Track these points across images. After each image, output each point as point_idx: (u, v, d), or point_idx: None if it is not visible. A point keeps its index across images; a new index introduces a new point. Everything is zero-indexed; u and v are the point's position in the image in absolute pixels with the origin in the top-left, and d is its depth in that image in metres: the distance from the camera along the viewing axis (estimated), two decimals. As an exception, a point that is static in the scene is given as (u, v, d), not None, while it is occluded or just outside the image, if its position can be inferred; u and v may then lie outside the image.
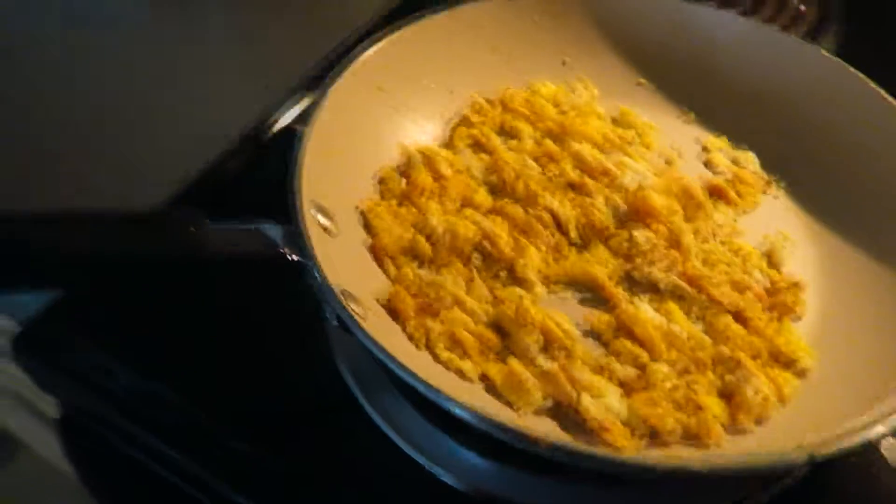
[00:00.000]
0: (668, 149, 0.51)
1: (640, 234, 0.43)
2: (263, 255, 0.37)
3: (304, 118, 0.58)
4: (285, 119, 0.58)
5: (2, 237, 0.35)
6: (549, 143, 0.50)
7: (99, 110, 0.60)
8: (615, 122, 0.54)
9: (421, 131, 0.51)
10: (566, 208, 0.45)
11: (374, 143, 0.49)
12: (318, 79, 0.61)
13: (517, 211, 0.45)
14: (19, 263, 0.35)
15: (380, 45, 0.49)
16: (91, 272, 0.38)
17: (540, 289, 0.42)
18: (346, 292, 0.37)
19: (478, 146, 0.51)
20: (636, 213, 0.44)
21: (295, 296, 0.44)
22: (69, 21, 0.67)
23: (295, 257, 0.38)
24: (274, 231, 0.39)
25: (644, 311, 0.40)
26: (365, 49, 0.49)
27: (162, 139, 0.58)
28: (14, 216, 0.36)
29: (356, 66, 0.48)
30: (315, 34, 0.66)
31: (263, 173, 0.55)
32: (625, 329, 0.39)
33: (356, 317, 0.35)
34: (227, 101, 0.61)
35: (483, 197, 0.47)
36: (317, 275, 0.36)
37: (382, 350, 0.34)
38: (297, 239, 0.38)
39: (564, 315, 0.41)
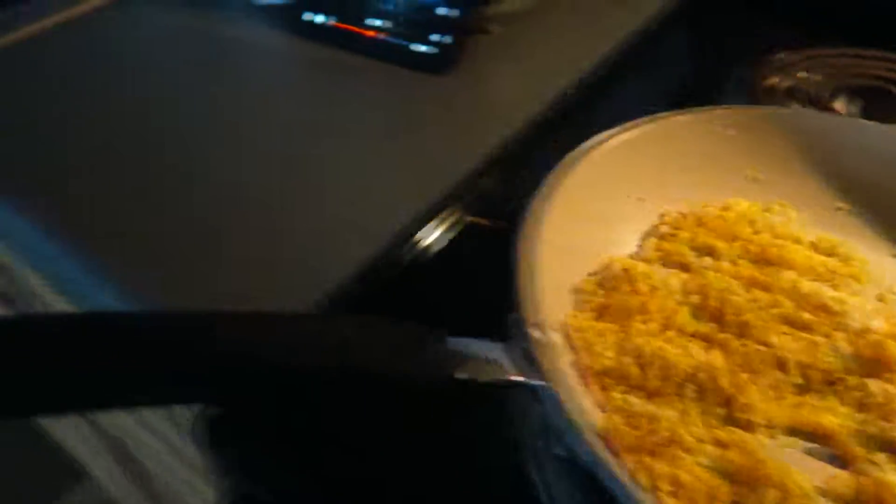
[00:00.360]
0: (880, 283, 0.48)
1: (876, 385, 0.40)
2: (496, 379, 0.35)
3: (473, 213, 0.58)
4: (442, 224, 0.58)
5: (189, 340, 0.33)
6: (748, 265, 0.48)
7: (245, 204, 0.59)
8: (814, 247, 0.51)
9: (613, 243, 0.50)
10: (787, 344, 0.42)
11: (570, 254, 0.47)
12: (477, 177, 0.61)
13: (731, 341, 0.43)
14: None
15: (590, 155, 0.49)
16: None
17: (763, 433, 0.39)
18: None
19: (670, 262, 0.49)
20: (870, 361, 0.41)
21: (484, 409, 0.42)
22: (230, 111, 0.68)
23: (520, 378, 0.36)
24: (488, 347, 0.37)
25: (893, 477, 0.36)
26: (564, 161, 0.49)
27: (314, 235, 0.57)
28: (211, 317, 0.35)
29: (556, 177, 0.48)
30: (473, 135, 0.65)
31: (429, 273, 0.54)
32: (871, 495, 0.36)
33: (602, 460, 0.33)
34: (382, 197, 0.60)
35: (685, 318, 0.45)
36: (557, 405, 0.34)
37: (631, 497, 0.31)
38: (528, 360, 0.36)
39: (792, 467, 0.38)
